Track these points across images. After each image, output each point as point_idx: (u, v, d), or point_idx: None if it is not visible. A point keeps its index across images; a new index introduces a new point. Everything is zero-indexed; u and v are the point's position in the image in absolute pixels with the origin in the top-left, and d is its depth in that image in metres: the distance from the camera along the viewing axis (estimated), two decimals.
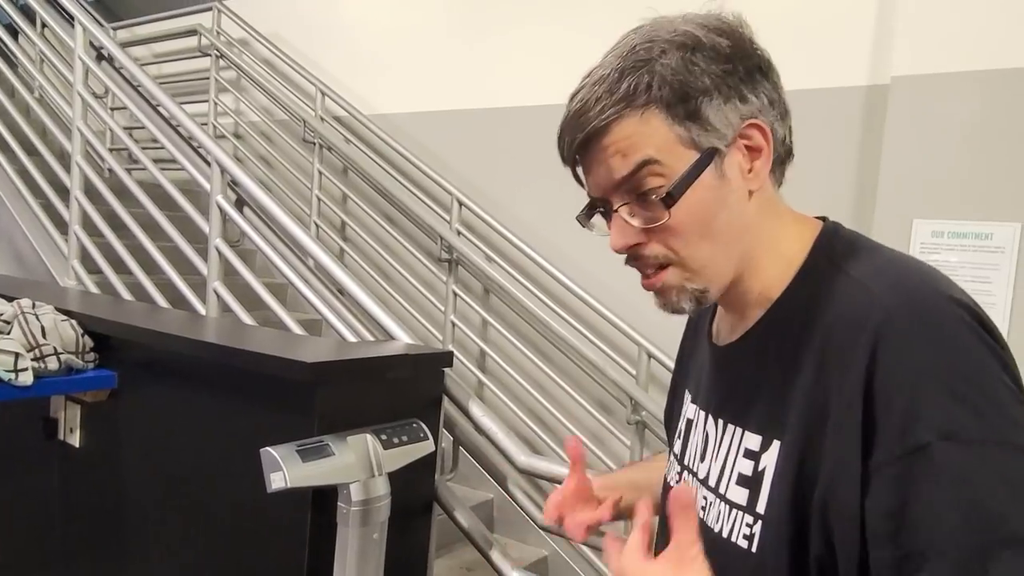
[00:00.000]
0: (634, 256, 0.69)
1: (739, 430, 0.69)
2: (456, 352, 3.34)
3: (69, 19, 3.05)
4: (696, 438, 0.77)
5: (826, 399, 0.60)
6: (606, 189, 0.68)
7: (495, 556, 1.71)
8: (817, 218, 0.73)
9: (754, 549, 0.65)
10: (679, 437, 0.83)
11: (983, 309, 0.60)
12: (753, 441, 0.67)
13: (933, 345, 0.57)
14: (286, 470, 1.23)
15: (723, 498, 0.69)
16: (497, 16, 3.51)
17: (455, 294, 3.41)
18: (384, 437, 1.42)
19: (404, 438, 1.46)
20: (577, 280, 3.06)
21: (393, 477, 1.41)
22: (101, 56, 3.10)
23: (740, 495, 0.67)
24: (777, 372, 0.66)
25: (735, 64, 0.66)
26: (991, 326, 0.59)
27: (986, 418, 0.55)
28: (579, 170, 0.71)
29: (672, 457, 0.84)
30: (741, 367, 0.72)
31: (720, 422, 0.73)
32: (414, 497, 1.65)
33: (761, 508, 0.65)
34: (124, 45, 4.43)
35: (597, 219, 0.74)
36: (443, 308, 3.44)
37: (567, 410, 3.12)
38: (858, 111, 2.58)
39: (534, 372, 3.22)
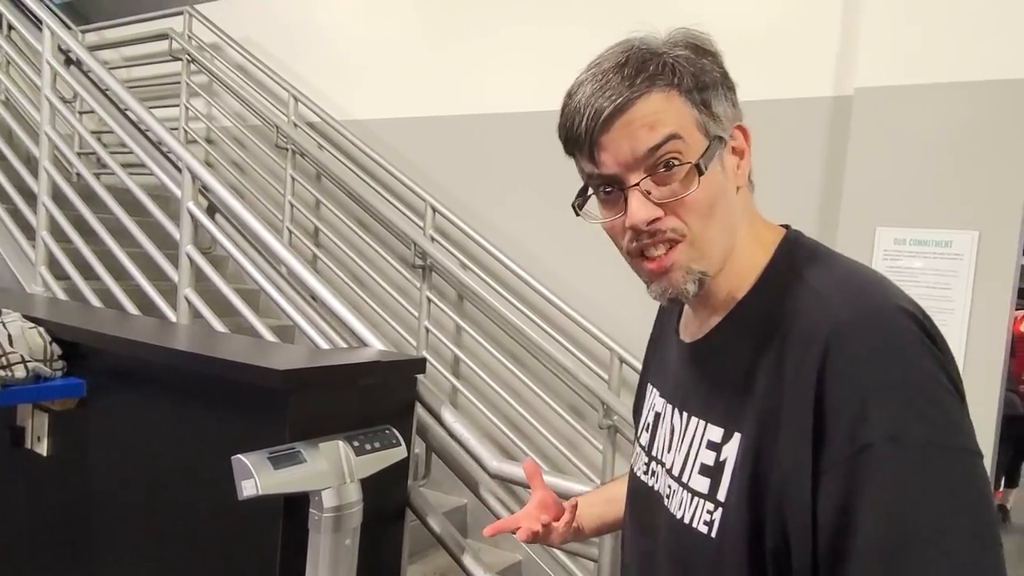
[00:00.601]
0: (650, 233, 0.69)
1: (702, 423, 0.73)
2: (430, 358, 3.35)
3: (36, 22, 3.01)
4: (664, 430, 0.81)
5: (781, 403, 0.64)
6: (627, 164, 0.68)
7: (468, 561, 1.72)
8: (781, 226, 0.77)
9: (713, 534, 0.69)
10: (647, 429, 0.87)
11: (930, 317, 0.64)
12: (715, 433, 0.71)
13: (881, 355, 0.61)
14: (257, 477, 1.24)
15: (686, 486, 0.73)
16: (471, 24, 3.53)
17: (429, 300, 3.41)
18: (356, 443, 1.43)
19: (376, 444, 1.47)
20: (550, 286, 3.08)
21: (365, 483, 1.41)
22: (69, 60, 3.06)
23: (702, 484, 0.71)
24: (738, 371, 0.70)
25: (726, 72, 0.72)
26: (935, 334, 0.63)
27: (930, 422, 0.59)
28: (581, 153, 0.71)
29: (639, 448, 0.88)
30: (705, 364, 0.76)
31: (685, 415, 0.77)
32: (387, 503, 1.66)
33: (721, 496, 0.69)
34: (93, 49, 4.39)
35: (591, 207, 0.75)
36: (417, 314, 3.44)
37: (540, 415, 3.14)
38: (823, 121, 2.65)
39: (508, 377, 3.23)
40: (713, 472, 0.70)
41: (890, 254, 2.38)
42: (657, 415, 0.84)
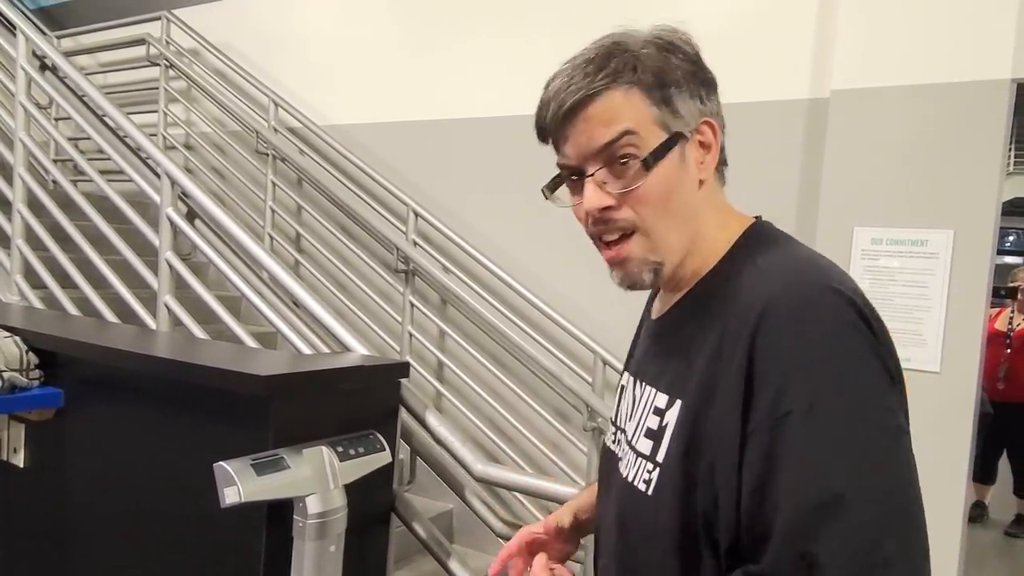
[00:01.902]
0: (603, 221, 0.74)
1: (652, 390, 0.78)
2: (414, 363, 3.34)
3: (10, 28, 2.97)
4: (626, 401, 0.87)
5: (718, 372, 0.68)
6: (585, 156, 0.73)
7: (454, 566, 1.72)
8: (754, 217, 0.81)
9: (650, 492, 0.73)
10: (616, 402, 0.92)
11: (871, 305, 0.67)
12: (661, 400, 0.76)
13: (807, 329, 0.64)
14: (240, 484, 1.23)
15: (633, 449, 0.78)
16: (450, 28, 3.53)
17: (412, 305, 3.40)
18: (340, 449, 1.42)
19: (360, 449, 1.46)
20: (533, 289, 3.09)
21: (350, 489, 1.41)
22: (44, 66, 3.02)
23: (646, 446, 0.76)
24: (685, 344, 0.74)
25: (698, 69, 0.75)
26: (871, 319, 0.66)
27: (847, 394, 0.62)
28: (548, 142, 0.77)
29: (610, 420, 0.93)
30: (662, 338, 0.82)
31: (642, 384, 0.82)
32: (371, 509, 1.65)
33: (660, 457, 0.73)
34: (69, 54, 4.33)
35: (560, 193, 0.80)
36: (400, 319, 3.43)
37: (525, 418, 3.14)
38: (800, 123, 2.68)
39: (492, 381, 3.23)
40: (656, 435, 0.74)
41: (868, 254, 2.41)
42: (622, 388, 0.89)
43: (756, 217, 0.81)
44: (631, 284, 0.76)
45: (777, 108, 2.70)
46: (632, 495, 0.76)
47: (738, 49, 2.74)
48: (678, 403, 0.72)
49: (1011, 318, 4.68)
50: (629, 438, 0.81)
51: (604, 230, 0.75)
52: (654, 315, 0.86)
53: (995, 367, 4.53)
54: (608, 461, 0.87)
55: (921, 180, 2.34)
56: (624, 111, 0.72)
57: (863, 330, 0.64)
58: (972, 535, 4.53)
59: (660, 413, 0.75)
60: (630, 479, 0.77)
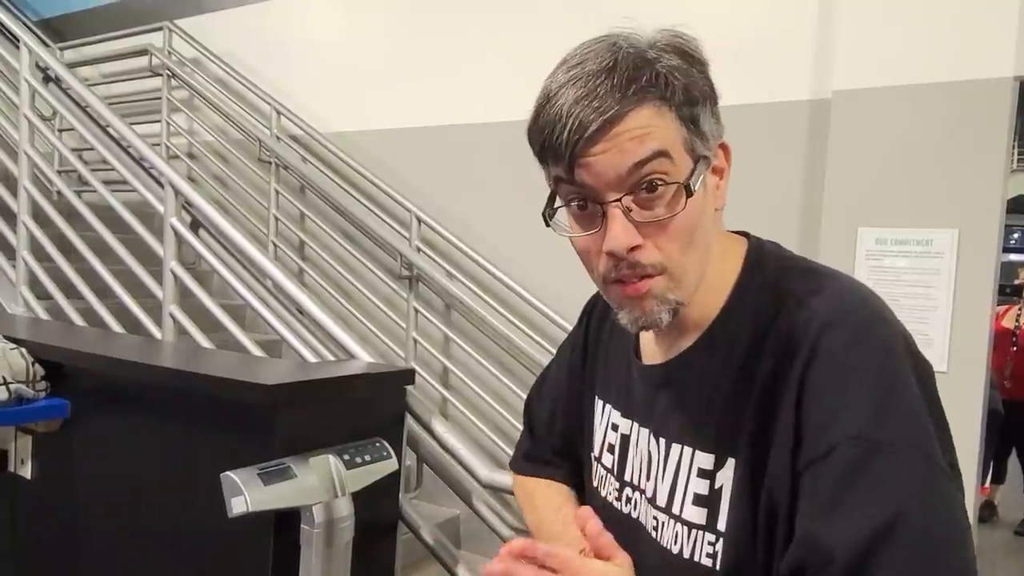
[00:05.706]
0: (630, 264, 0.64)
1: (688, 450, 0.69)
2: (419, 369, 3.34)
3: (13, 40, 2.98)
4: (636, 455, 0.77)
5: (775, 413, 0.63)
6: (609, 181, 0.62)
7: (462, 573, 1.72)
8: (738, 232, 0.75)
9: (718, 567, 0.66)
10: (610, 451, 0.82)
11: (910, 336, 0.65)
12: (706, 460, 0.67)
13: (860, 357, 0.61)
14: (247, 494, 1.23)
15: (679, 519, 0.69)
16: (452, 35, 3.54)
17: (416, 311, 3.40)
18: (347, 457, 1.42)
19: (367, 457, 1.46)
20: (537, 294, 3.08)
21: (356, 497, 1.41)
22: (48, 77, 3.03)
23: (698, 514, 0.68)
24: (728, 390, 0.67)
25: (712, 84, 0.67)
26: (917, 351, 0.64)
27: (898, 426, 0.58)
28: (557, 164, 0.64)
29: (602, 470, 0.83)
30: (684, 387, 0.71)
31: (663, 441, 0.72)
32: (378, 516, 1.65)
33: (722, 526, 0.66)
34: (71, 66, 4.35)
35: (560, 218, 0.69)
36: (404, 325, 3.43)
37: None
38: (803, 125, 2.67)
39: (497, 387, 3.23)
40: (709, 501, 0.67)
41: (872, 254, 2.40)
42: (625, 437, 0.79)
43: (742, 233, 0.75)
44: (646, 325, 0.67)
45: (779, 109, 2.70)
46: (695, 572, 0.67)
47: (739, 51, 2.74)
48: (730, 461, 0.65)
49: (1018, 315, 4.67)
50: (663, 504, 0.71)
51: (629, 275, 0.64)
52: (649, 358, 0.77)
53: (1001, 365, 4.51)
54: (622, 527, 0.75)
55: (925, 179, 2.33)
56: (657, 129, 0.62)
57: (910, 361, 0.62)
58: (981, 535, 4.51)
59: (708, 475, 0.67)
60: (686, 555, 0.68)
